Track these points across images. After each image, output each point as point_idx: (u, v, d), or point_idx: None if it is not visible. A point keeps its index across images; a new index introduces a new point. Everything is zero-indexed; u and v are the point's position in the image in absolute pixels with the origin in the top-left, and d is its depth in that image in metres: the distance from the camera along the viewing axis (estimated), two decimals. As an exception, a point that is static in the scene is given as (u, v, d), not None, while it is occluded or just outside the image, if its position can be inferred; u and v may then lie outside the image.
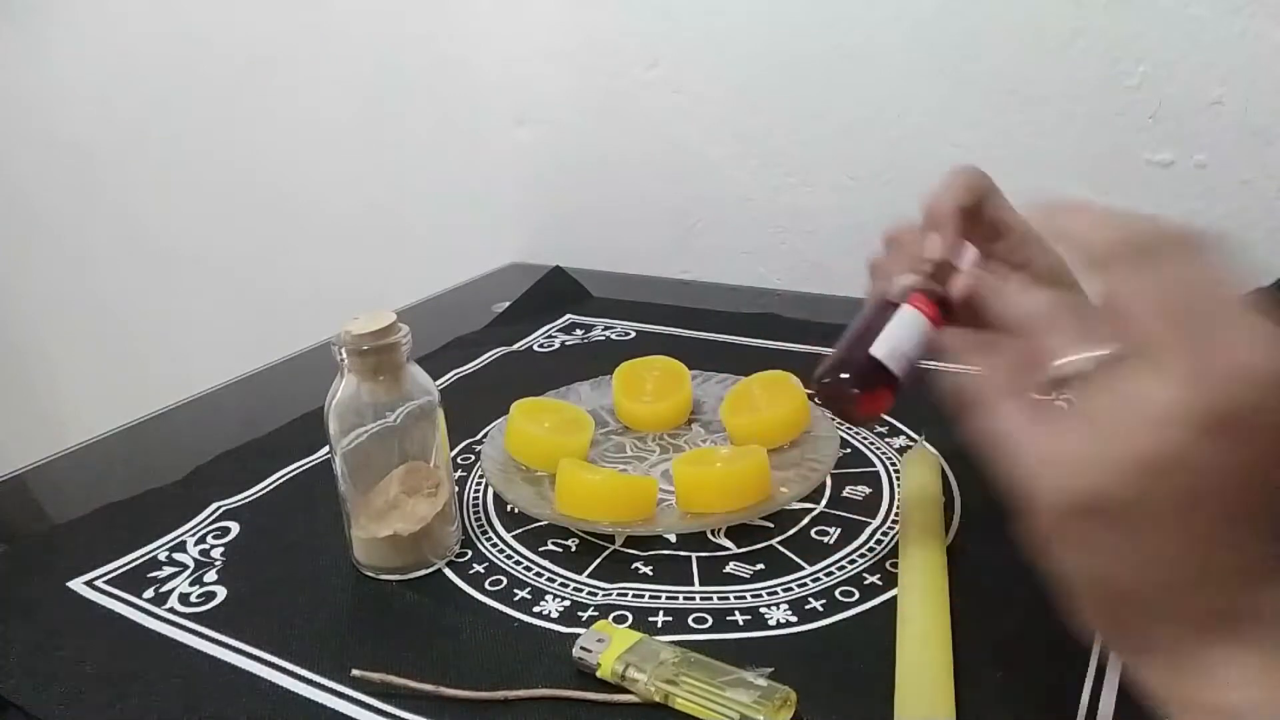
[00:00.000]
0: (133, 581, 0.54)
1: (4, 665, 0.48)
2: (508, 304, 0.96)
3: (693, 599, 0.51)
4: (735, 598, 0.50)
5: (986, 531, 0.55)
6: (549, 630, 0.49)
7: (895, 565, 0.52)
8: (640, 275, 1.10)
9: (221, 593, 0.53)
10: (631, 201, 1.11)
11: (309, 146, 1.33)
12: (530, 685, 0.45)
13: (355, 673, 0.45)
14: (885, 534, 0.55)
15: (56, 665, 0.48)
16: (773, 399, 0.65)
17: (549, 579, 0.53)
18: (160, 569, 0.55)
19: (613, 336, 0.89)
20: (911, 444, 0.65)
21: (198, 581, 0.54)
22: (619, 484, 0.58)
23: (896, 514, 0.57)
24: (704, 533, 0.56)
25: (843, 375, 0.46)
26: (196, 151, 1.44)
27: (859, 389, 0.46)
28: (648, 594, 0.51)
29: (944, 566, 0.50)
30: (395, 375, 0.52)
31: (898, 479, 0.61)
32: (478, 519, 0.59)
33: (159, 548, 0.58)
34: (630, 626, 0.48)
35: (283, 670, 0.47)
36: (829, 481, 0.60)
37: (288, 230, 1.41)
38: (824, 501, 0.59)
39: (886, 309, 0.47)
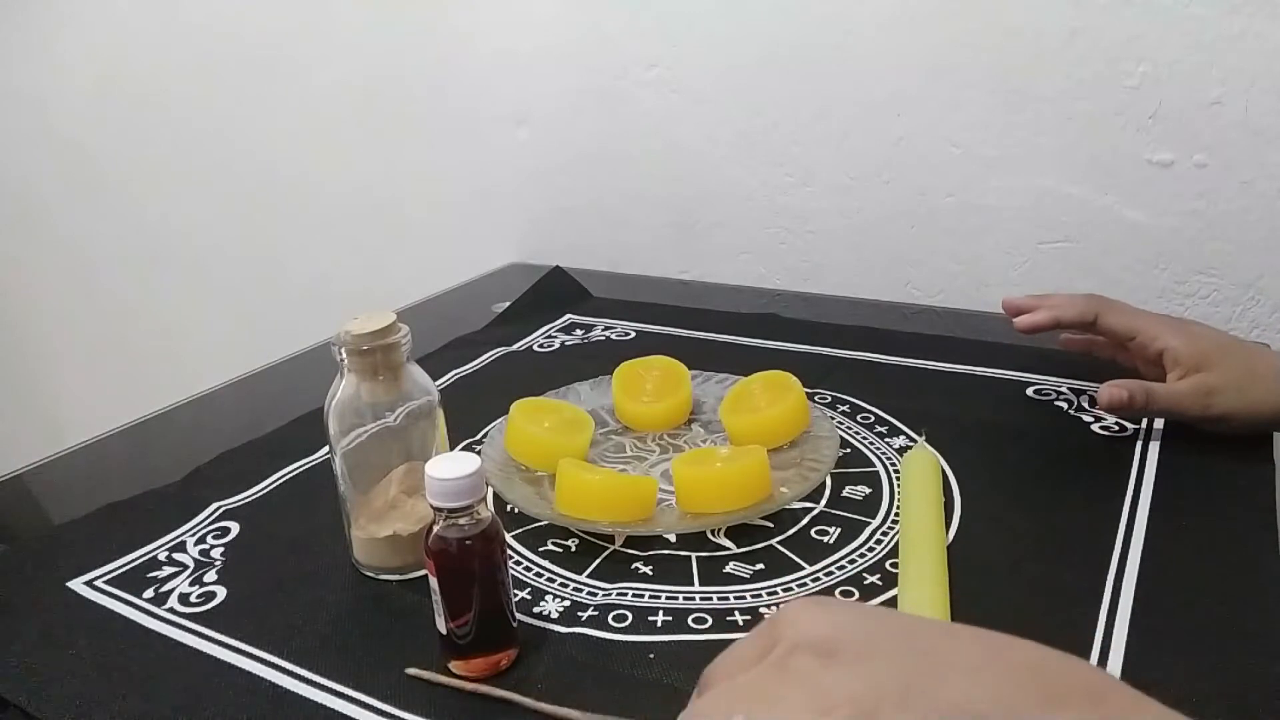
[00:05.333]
0: (133, 581, 0.54)
1: (4, 665, 0.48)
2: (508, 304, 0.96)
3: (693, 599, 0.50)
4: (735, 598, 0.50)
5: (986, 531, 0.55)
6: (549, 630, 0.49)
7: (895, 565, 0.52)
8: (640, 275, 1.10)
9: (221, 593, 0.53)
10: (631, 201, 1.11)
11: (309, 146, 1.33)
12: (530, 685, 0.45)
13: (410, 671, 0.45)
14: (885, 534, 0.55)
15: (56, 665, 0.48)
16: (773, 399, 0.65)
17: (549, 579, 0.53)
18: (160, 569, 0.55)
19: (613, 336, 0.89)
20: (911, 444, 0.65)
21: (198, 581, 0.54)
22: (619, 484, 0.58)
23: (896, 514, 0.57)
24: (704, 533, 0.56)
25: None
26: (196, 152, 1.45)
27: None
28: (648, 594, 0.51)
29: (944, 566, 0.50)
30: (395, 375, 0.52)
31: (897, 479, 0.61)
32: (478, 519, 0.59)
33: (159, 548, 0.58)
34: (630, 626, 0.48)
35: (283, 670, 0.47)
36: (829, 481, 0.60)
37: (288, 230, 1.41)
38: (824, 501, 0.59)
39: None
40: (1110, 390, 0.62)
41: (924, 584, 0.49)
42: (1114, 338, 0.67)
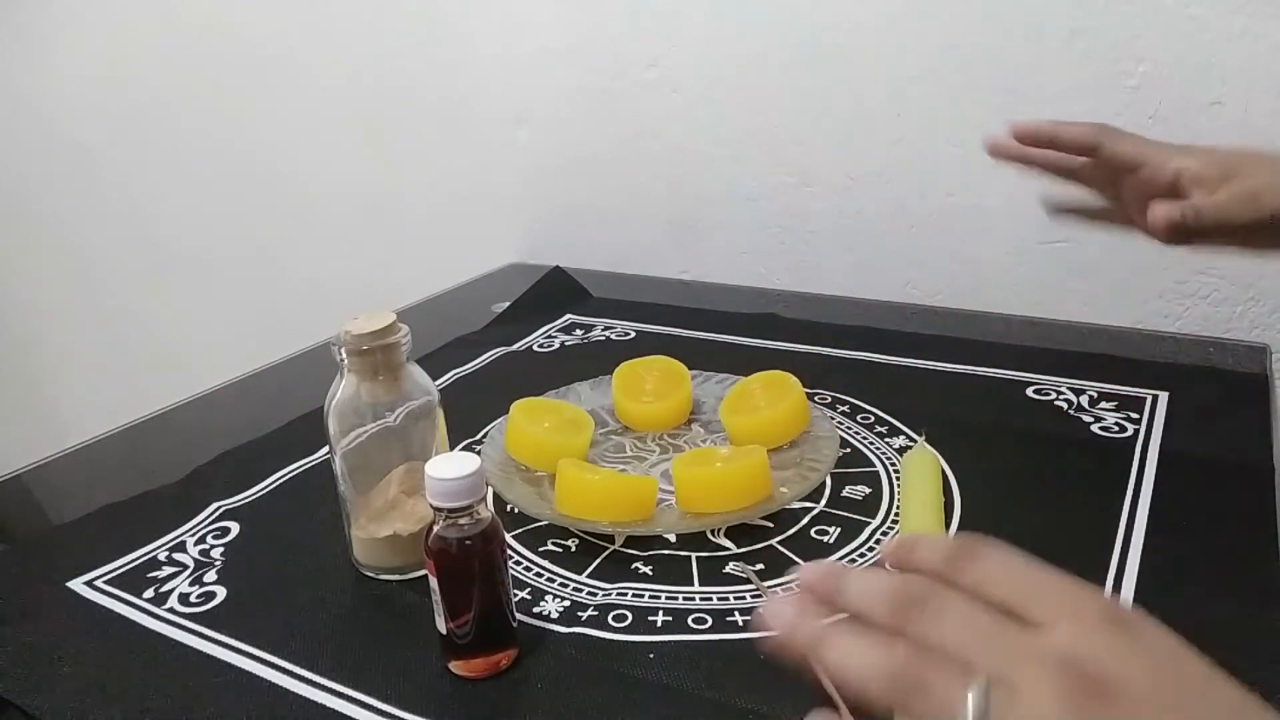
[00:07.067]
0: (133, 581, 0.54)
1: (4, 665, 0.48)
2: (508, 304, 0.96)
3: (692, 599, 0.50)
4: (735, 598, 0.50)
5: (986, 531, 0.54)
6: (549, 630, 0.49)
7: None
8: (640, 275, 1.10)
9: (221, 593, 0.53)
10: (631, 201, 1.11)
11: (309, 146, 1.33)
12: (530, 686, 0.45)
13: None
14: (885, 533, 0.55)
15: (56, 665, 0.48)
16: (773, 399, 0.65)
17: (549, 579, 0.53)
18: (160, 569, 0.55)
19: (613, 336, 0.89)
20: (911, 444, 0.65)
21: (198, 581, 0.54)
22: (619, 484, 0.58)
23: (897, 513, 0.57)
24: (704, 533, 0.56)
25: None
26: (196, 152, 1.45)
27: None
28: (648, 594, 0.51)
29: None
30: (395, 375, 0.52)
31: (897, 479, 0.61)
32: (478, 519, 0.59)
33: (159, 548, 0.58)
34: (630, 626, 0.48)
35: (283, 670, 0.47)
36: (829, 481, 0.60)
37: (288, 230, 1.41)
38: (824, 501, 0.59)
39: None
40: (1162, 208, 0.55)
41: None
42: (1121, 165, 0.61)
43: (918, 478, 0.58)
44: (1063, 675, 0.28)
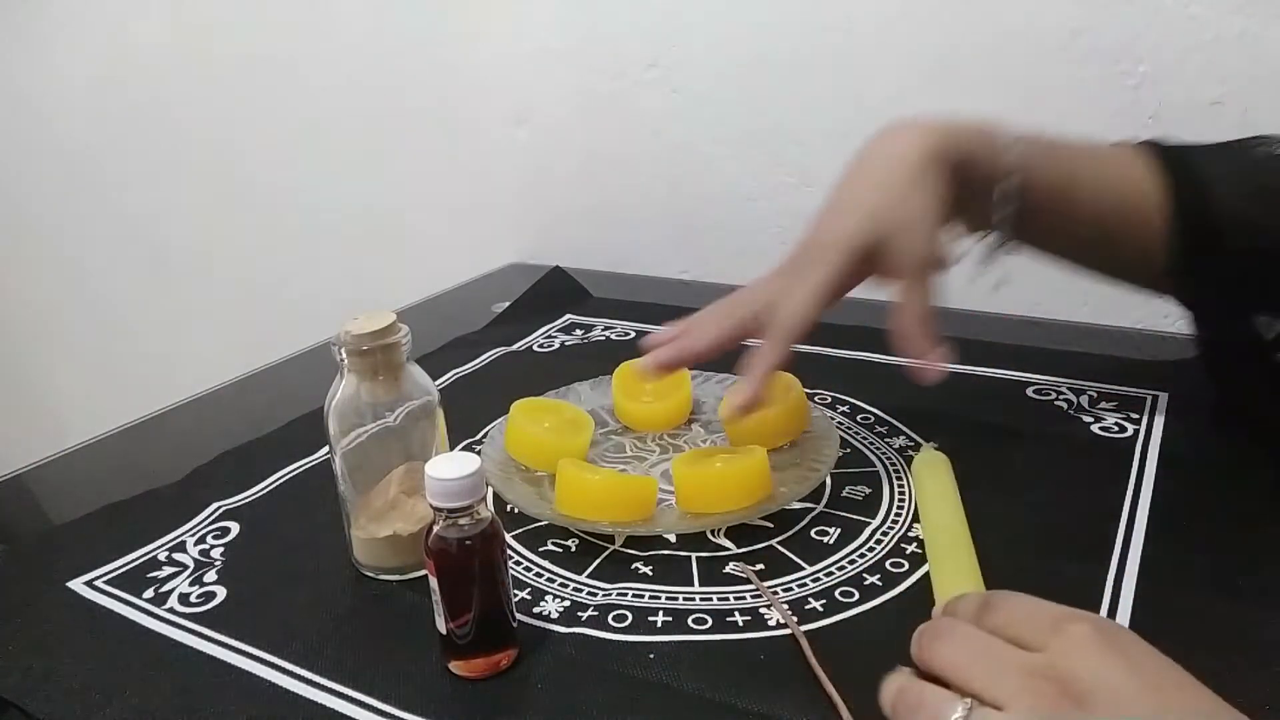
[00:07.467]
0: (133, 581, 0.54)
1: (4, 665, 0.48)
2: (508, 304, 0.96)
3: (692, 599, 0.50)
4: (735, 598, 0.50)
5: (986, 532, 0.55)
6: (549, 630, 0.49)
7: (896, 565, 0.52)
8: (640, 275, 1.10)
9: (221, 593, 0.53)
10: (631, 201, 1.11)
11: (309, 147, 1.33)
12: (530, 686, 0.45)
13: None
14: (885, 534, 0.55)
15: (56, 665, 0.48)
16: (773, 399, 0.65)
17: (549, 579, 0.53)
18: (160, 569, 0.55)
19: (613, 336, 0.89)
20: (912, 444, 0.65)
21: (197, 581, 0.54)
22: (619, 484, 0.58)
23: (898, 514, 0.57)
24: (704, 533, 0.56)
25: None
26: (195, 152, 1.45)
27: None
28: (648, 594, 0.51)
29: (978, 574, 0.50)
30: (395, 375, 0.52)
31: (898, 479, 0.61)
32: (478, 519, 0.59)
33: (159, 548, 0.58)
34: (630, 626, 0.48)
35: (282, 670, 0.47)
36: (829, 481, 0.60)
37: (288, 230, 1.41)
38: (824, 501, 0.59)
39: None
40: (926, 360, 0.54)
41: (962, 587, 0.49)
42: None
43: (936, 481, 0.58)
44: (1043, 685, 0.32)
